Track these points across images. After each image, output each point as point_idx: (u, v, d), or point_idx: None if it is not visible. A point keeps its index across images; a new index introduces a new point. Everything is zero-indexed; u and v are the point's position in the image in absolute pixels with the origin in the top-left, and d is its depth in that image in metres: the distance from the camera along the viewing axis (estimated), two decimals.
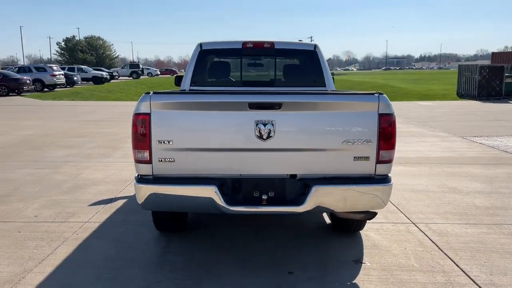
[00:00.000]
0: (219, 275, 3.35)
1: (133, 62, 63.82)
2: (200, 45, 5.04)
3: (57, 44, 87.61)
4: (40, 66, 29.78)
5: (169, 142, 3.11)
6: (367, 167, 3.20)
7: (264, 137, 3.09)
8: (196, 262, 3.59)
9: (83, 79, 36.71)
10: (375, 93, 3.16)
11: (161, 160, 3.14)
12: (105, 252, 3.77)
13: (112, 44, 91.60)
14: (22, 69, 29.31)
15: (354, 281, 3.27)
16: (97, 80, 37.06)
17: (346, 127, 3.16)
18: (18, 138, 9.85)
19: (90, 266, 3.49)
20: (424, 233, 4.21)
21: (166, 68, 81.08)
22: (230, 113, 3.11)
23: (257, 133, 3.08)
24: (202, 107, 3.10)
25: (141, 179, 3.18)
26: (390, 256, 3.70)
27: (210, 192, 3.07)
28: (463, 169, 6.89)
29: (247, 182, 3.22)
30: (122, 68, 52.96)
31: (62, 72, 30.30)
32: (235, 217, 4.52)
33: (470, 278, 3.31)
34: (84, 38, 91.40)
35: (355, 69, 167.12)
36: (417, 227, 4.39)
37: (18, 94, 25.01)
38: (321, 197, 3.13)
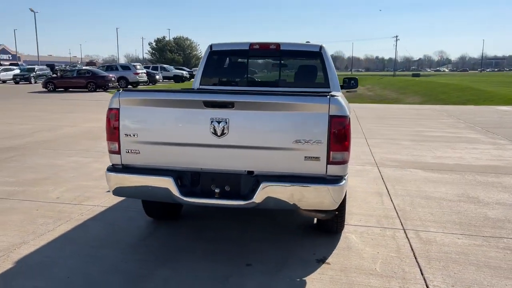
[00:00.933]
0: (180, 260, 3.61)
1: None
2: (211, 46, 5.32)
3: (149, 44, 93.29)
4: (125, 65, 32.18)
5: (134, 135, 3.43)
6: (318, 168, 3.25)
7: (219, 134, 3.28)
8: (169, 247, 3.88)
9: (165, 78, 38.99)
10: (327, 95, 3.21)
11: (128, 152, 3.46)
12: (96, 233, 4.19)
13: (198, 44, 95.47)
14: (110, 68, 31.88)
15: (304, 278, 3.34)
16: (178, 79, 39.15)
17: (297, 128, 3.24)
18: (83, 129, 10.90)
19: (77, 243, 3.93)
20: (408, 240, 4.11)
21: None
22: (187, 111, 3.35)
23: (212, 130, 3.28)
24: (162, 104, 3.37)
25: (112, 168, 3.53)
26: (357, 259, 3.69)
27: (167, 183, 3.33)
28: (499, 179, 6.44)
29: (204, 176, 3.43)
30: None
31: (144, 70, 32.46)
32: (228, 210, 4.74)
33: (426, 287, 3.23)
34: (173, 38, 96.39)
35: (447, 70, 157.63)
36: (405, 233, 4.28)
37: (105, 90, 27.30)
38: (268, 194, 3.25)
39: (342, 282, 3.30)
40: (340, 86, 6.24)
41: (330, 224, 4.04)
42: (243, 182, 3.37)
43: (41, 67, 42.78)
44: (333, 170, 3.25)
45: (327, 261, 3.65)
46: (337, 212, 3.60)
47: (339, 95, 3.38)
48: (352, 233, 4.27)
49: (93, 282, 3.25)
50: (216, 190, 3.34)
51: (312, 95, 3.30)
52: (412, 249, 3.90)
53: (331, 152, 3.21)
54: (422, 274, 3.44)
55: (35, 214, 4.68)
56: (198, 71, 5.39)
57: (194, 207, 4.89)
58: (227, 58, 5.47)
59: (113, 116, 3.43)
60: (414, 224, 4.53)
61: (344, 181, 3.28)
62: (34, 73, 39.09)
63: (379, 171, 6.87)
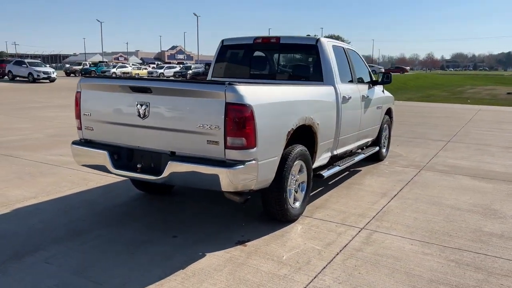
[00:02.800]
0: (124, 224, 4.18)
1: None
2: (222, 41, 5.76)
3: None
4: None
5: (89, 114, 4.10)
6: (218, 151, 3.47)
7: (142, 116, 3.75)
8: (136, 218, 4.46)
9: None
10: (225, 83, 3.41)
11: (86, 128, 4.16)
12: (92, 199, 5.01)
13: (349, 42, 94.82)
14: None
15: (206, 253, 3.59)
16: None
17: (200, 113, 3.51)
18: None
19: (70, 204, 4.79)
20: (353, 239, 3.99)
21: (397, 66, 78.89)
22: (121, 94, 3.88)
23: (137, 112, 3.77)
24: (104, 89, 3.96)
25: (74, 141, 4.27)
26: (276, 246, 3.77)
27: (103, 156, 3.93)
28: None
29: (136, 153, 3.93)
30: None
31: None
32: (215, 193, 5.13)
33: (310, 281, 3.22)
34: (324, 37, 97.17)
35: None
36: (358, 232, 4.14)
37: None
38: (174, 172, 3.60)
39: (238, 262, 3.46)
40: (375, 81, 6.08)
41: (273, 212, 4.15)
42: (163, 161, 3.77)
43: (197, 65, 47.84)
44: (232, 154, 3.44)
45: (247, 243, 3.82)
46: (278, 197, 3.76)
47: (250, 86, 3.55)
48: (303, 224, 4.29)
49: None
50: (138, 166, 3.81)
51: (213, 83, 3.53)
52: (344, 246, 3.80)
53: (227, 137, 3.40)
54: (324, 268, 3.39)
55: (65, 177, 5.74)
56: (212, 64, 5.88)
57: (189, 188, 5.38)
58: (236, 52, 5.82)
59: (77, 98, 4.16)
60: (381, 225, 4.32)
61: (242, 166, 3.43)
62: (190, 70, 44.17)
63: (416, 174, 6.43)
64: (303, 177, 4.44)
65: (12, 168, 6.28)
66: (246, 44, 5.58)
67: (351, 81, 5.68)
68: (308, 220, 4.39)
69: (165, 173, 3.61)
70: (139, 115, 3.74)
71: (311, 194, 5.19)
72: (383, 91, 6.91)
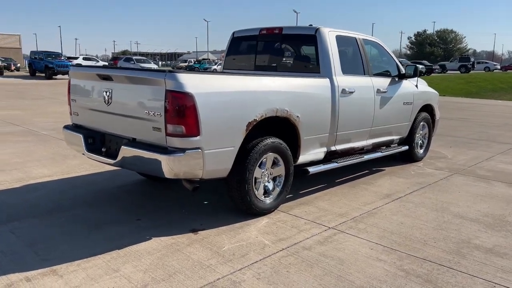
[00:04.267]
0: (98, 203, 4.46)
1: (464, 55, 59.24)
2: (233, 33, 5.81)
3: (408, 38, 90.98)
4: None
5: (75, 101, 4.44)
6: (161, 138, 3.54)
7: (107, 102, 3.97)
8: (119, 201, 4.75)
9: None
10: (165, 71, 3.47)
11: (73, 113, 4.51)
12: (95, 181, 5.42)
13: (465, 37, 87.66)
14: None
15: (153, 238, 3.71)
16: None
17: (146, 100, 3.61)
18: None
19: (74, 184, 5.23)
20: (311, 237, 3.81)
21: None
22: (94, 82, 4.12)
23: (103, 99, 3.99)
24: (84, 77, 4.25)
25: (66, 126, 4.64)
26: (225, 237, 3.73)
27: (78, 138, 4.23)
28: None
29: (108, 138, 4.16)
30: (450, 61, 50.59)
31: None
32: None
33: (229, 273, 3.17)
34: (435, 31, 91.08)
35: None
36: (321, 231, 3.94)
37: None
38: (125, 156, 3.75)
39: (176, 248, 3.51)
40: (402, 75, 5.72)
41: (237, 204, 4.12)
42: (119, 146, 3.92)
43: None
44: (173, 142, 3.48)
45: (200, 232, 3.84)
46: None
47: (211, 74, 3.59)
48: (271, 218, 4.19)
49: None
50: (103, 149, 4.04)
51: (156, 71, 3.59)
52: (294, 244, 3.64)
53: (167, 124, 3.45)
54: (255, 262, 3.30)
55: (83, 160, 6.25)
56: (224, 56, 5.95)
57: None
58: (245, 43, 5.80)
59: (68, 85, 4.53)
60: (354, 227, 4.05)
61: (181, 154, 3.45)
62: None
63: (444, 177, 5.87)
64: (279, 170, 4.32)
65: (52, 149, 7.00)
66: (254, 36, 5.54)
67: (362, 74, 5.34)
68: (280, 215, 4.26)
69: (119, 157, 3.78)
70: (105, 102, 3.95)
71: (310, 189, 5.03)
72: (416, 85, 6.36)
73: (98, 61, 43.26)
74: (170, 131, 3.45)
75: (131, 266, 3.17)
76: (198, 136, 3.48)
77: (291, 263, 3.28)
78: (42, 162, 6.15)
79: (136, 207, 4.40)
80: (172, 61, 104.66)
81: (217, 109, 3.58)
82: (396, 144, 6.33)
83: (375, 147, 5.78)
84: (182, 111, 3.38)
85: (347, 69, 5.03)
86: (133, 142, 3.76)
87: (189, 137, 3.46)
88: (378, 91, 5.45)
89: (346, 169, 5.78)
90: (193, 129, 3.45)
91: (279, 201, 4.35)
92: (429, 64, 46.75)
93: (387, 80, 5.74)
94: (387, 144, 6.06)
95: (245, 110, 3.80)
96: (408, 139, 6.43)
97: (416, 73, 5.91)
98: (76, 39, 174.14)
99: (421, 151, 6.83)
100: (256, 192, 4.10)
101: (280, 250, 3.49)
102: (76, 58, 42.35)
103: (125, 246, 3.50)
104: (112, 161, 3.88)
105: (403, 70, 6.03)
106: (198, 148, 3.52)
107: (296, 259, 3.34)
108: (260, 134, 4.11)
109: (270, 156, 4.18)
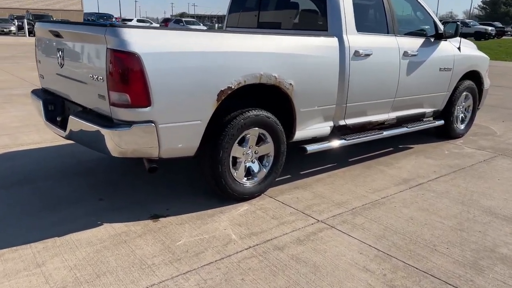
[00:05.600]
0: (75, 183, 4.00)
1: None
2: None
3: None
4: None
5: (40, 62, 3.93)
6: (106, 108, 2.95)
7: (60, 64, 3.41)
8: (93, 176, 4.28)
9: (466, 34, 35.05)
10: (107, 24, 2.82)
11: (40, 76, 4.01)
12: (81, 151, 4.95)
13: None
14: None
15: (104, 224, 3.20)
16: (478, 36, 34.56)
17: (90, 61, 3.01)
18: None
19: (59, 153, 4.83)
20: (290, 232, 3.14)
21: None
22: (50, 40, 3.56)
23: (57, 60, 3.44)
24: (44, 34, 3.68)
25: (34, 90, 4.15)
26: (188, 228, 3.15)
27: (39, 105, 3.73)
28: None
29: (65, 105, 3.63)
30: None
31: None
32: None
33: (169, 277, 2.60)
34: None
35: None
36: (306, 225, 3.26)
37: None
38: (72, 128, 3.20)
39: (123, 239, 2.97)
40: (440, 34, 4.80)
41: (211, 187, 3.51)
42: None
43: None
44: (118, 113, 2.88)
45: (161, 219, 3.29)
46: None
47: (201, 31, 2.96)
48: (252, 205, 3.55)
49: None
50: (58, 119, 3.51)
51: (97, 24, 2.94)
52: (267, 241, 3.00)
53: (110, 91, 2.85)
54: (206, 264, 2.70)
55: None
56: (226, 13, 5.23)
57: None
58: (247, 0, 5.02)
59: (35, 43, 4.02)
60: (349, 221, 3.32)
61: (127, 128, 2.85)
62: None
63: (485, 159, 4.93)
64: (267, 149, 3.63)
65: None
66: None
67: (385, 32, 4.42)
68: (265, 202, 3.61)
69: (67, 129, 3.24)
70: (59, 63, 3.41)
71: (313, 169, 4.32)
72: (458, 48, 5.30)
73: (151, 23, 43.32)
74: (114, 100, 2.84)
75: (60, 261, 2.67)
76: (149, 107, 2.85)
77: (252, 267, 2.63)
78: (38, 127, 5.81)
79: (106, 184, 3.90)
80: None
81: (174, 73, 2.91)
82: (431, 118, 5.38)
83: (401, 122, 4.89)
84: (125, 75, 2.75)
85: (363, 26, 4.15)
86: (82, 112, 3.20)
87: (137, 108, 2.83)
88: (406, 53, 4.52)
89: (364, 146, 4.97)
90: (141, 98, 2.81)
91: (267, 185, 3.68)
92: (500, 26, 42.86)
93: (419, 41, 4.77)
94: (417, 118, 5.14)
95: (215, 76, 3.10)
96: (445, 112, 5.45)
97: (457, 33, 4.88)
98: (136, 1, 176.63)
99: (462, 126, 5.81)
100: (234, 174, 3.46)
101: (246, 249, 2.85)
102: (130, 20, 42.64)
103: (68, 232, 3.01)
104: (63, 133, 3.36)
105: (441, 29, 5.00)
106: (150, 121, 2.89)
107: (260, 263, 2.69)
108: (242, 105, 3.41)
109: (254, 132, 3.49)
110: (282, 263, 2.70)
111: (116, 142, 2.86)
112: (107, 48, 2.78)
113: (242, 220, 3.26)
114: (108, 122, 2.92)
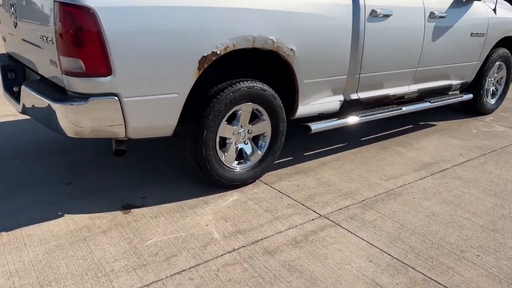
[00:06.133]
0: (46, 164, 3.50)
1: None
2: None
3: None
4: None
5: (1, 22, 3.37)
6: (57, 76, 2.40)
7: (14, 23, 2.85)
8: (66, 156, 3.79)
9: None
10: None
11: (3, 38, 3.45)
12: None
13: None
14: None
15: (65, 215, 2.71)
16: None
17: (38, 19, 2.44)
18: None
19: (35, 128, 4.32)
20: (285, 231, 2.61)
21: None
22: None
23: (11, 18, 2.88)
24: None
25: None
26: (164, 222, 2.65)
27: None
28: None
29: (26, 73, 3.09)
30: None
31: None
32: None
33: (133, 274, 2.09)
34: None
35: None
36: (305, 221, 2.71)
37: None
38: (24, 101, 2.67)
39: (84, 236, 2.47)
40: None
41: (196, 172, 2.98)
42: None
43: None
44: (72, 84, 2.32)
45: (133, 210, 2.78)
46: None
47: None
48: (244, 194, 3.01)
49: None
50: (14, 89, 2.97)
51: None
52: (254, 242, 2.47)
53: (60, 56, 2.29)
54: (178, 273, 2.19)
55: None
56: None
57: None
58: None
59: None
60: (357, 217, 2.77)
61: (83, 103, 2.30)
62: None
63: None
64: (263, 127, 3.07)
65: None
66: None
67: None
68: (259, 190, 3.06)
69: (20, 102, 2.71)
70: (13, 23, 2.84)
71: (320, 150, 3.78)
72: (494, 10, 4.57)
73: None
74: (65, 67, 2.28)
75: (0, 264, 2.17)
76: (109, 76, 2.29)
77: (232, 279, 2.11)
78: None
79: (78, 166, 3.40)
80: None
81: (142, 34, 2.33)
82: (457, 92, 4.73)
83: (423, 95, 4.25)
84: (77, 35, 2.18)
85: None
86: (38, 82, 2.65)
87: (94, 77, 2.27)
88: (432, 15, 3.83)
89: (379, 123, 4.37)
90: (99, 65, 2.25)
91: (262, 170, 3.13)
92: None
93: (449, 0, 4.06)
94: (442, 91, 4.48)
95: (195, 38, 2.51)
96: (475, 85, 4.77)
97: None
98: None
99: (492, 101, 5.13)
100: (222, 158, 2.91)
101: (228, 252, 2.33)
102: None
103: (19, 226, 2.53)
104: (19, 109, 2.82)
105: None
106: (112, 94, 2.33)
107: (243, 273, 2.16)
108: (232, 76, 2.83)
109: (247, 107, 2.92)
110: (271, 272, 2.17)
111: (71, 120, 2.32)
112: (54, 1, 2.19)
113: (229, 213, 2.73)
114: (61, 95, 2.37)
